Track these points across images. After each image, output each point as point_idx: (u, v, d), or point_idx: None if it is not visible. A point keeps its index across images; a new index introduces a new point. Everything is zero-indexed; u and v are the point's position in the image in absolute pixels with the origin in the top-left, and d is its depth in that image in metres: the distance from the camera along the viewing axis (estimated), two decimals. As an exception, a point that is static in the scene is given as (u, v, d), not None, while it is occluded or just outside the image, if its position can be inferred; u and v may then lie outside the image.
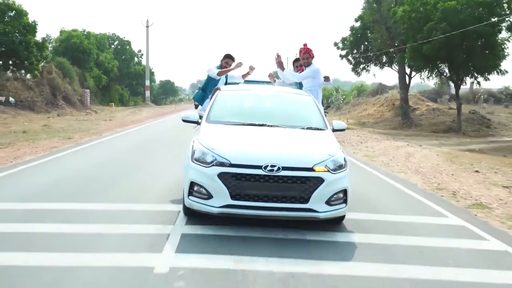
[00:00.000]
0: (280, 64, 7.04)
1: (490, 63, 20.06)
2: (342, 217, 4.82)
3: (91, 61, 40.33)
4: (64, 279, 3.40)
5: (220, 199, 4.28)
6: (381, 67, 31.13)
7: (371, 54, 30.18)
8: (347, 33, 31.56)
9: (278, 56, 7.08)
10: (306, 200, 4.29)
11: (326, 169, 4.37)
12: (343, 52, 31.48)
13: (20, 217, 4.87)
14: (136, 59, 56.04)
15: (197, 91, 8.05)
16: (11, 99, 23.85)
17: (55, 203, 5.46)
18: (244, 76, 7.24)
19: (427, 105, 29.14)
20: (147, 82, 50.57)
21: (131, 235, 4.42)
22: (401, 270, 3.82)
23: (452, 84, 24.90)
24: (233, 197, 4.24)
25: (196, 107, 7.46)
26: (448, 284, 3.60)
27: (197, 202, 4.44)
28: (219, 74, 6.81)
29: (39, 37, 27.39)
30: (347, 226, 4.88)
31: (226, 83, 6.97)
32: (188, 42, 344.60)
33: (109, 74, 44.54)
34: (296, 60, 7.47)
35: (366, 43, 30.70)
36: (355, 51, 31.18)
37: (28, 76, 27.46)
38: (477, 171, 9.49)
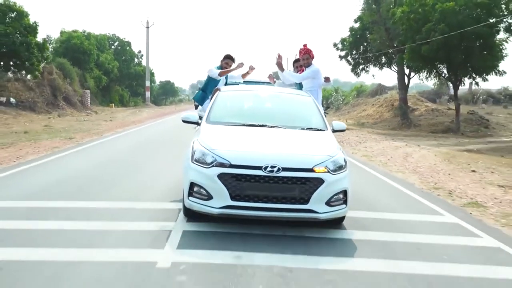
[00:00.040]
0: (279, 65, 7.06)
1: (488, 63, 20.14)
2: (342, 218, 4.83)
3: (91, 62, 40.38)
4: (65, 274, 3.46)
5: (220, 200, 4.27)
6: (380, 68, 31.19)
7: (370, 55, 30.23)
8: (346, 34, 31.62)
9: (280, 57, 7.08)
10: (306, 201, 4.29)
11: (326, 170, 4.37)
12: (343, 53, 31.49)
13: (22, 215, 4.95)
14: (136, 59, 56.03)
15: (197, 91, 8.10)
16: (12, 99, 23.90)
17: (57, 201, 5.54)
18: (244, 75, 7.22)
19: (426, 105, 29.19)
20: (147, 83, 50.53)
21: (133, 231, 4.50)
22: (399, 265, 3.93)
23: (451, 85, 24.97)
24: (233, 198, 4.24)
25: (196, 107, 7.51)
26: (444, 279, 3.71)
27: (197, 203, 4.43)
28: (220, 74, 6.83)
29: (39, 38, 27.53)
30: (345, 223, 4.95)
31: (226, 83, 7.02)
32: (188, 43, 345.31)
33: (109, 75, 44.55)
34: (296, 61, 7.44)
35: (365, 44, 30.73)
36: (355, 52, 31.18)
37: (29, 77, 27.50)
38: (473, 171, 9.58)
